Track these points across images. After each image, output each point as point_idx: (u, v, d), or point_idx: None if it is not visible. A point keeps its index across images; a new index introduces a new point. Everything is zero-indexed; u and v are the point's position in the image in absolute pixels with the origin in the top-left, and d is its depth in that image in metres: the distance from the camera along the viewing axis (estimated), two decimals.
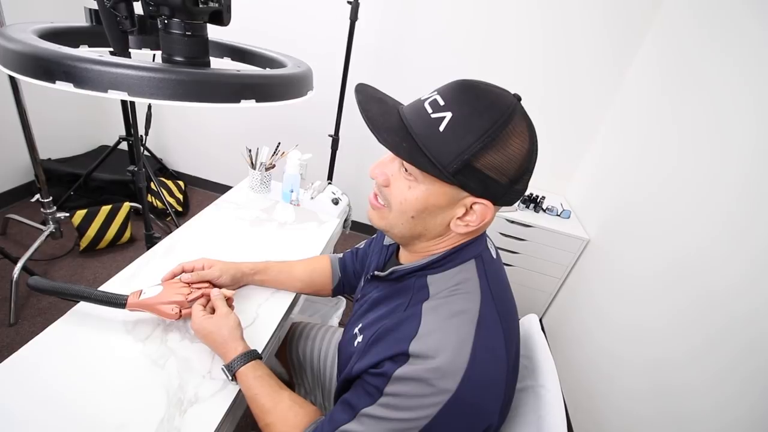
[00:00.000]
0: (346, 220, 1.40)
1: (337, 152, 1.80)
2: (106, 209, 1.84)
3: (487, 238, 0.65)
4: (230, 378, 0.66)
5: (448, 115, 0.47)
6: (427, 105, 0.50)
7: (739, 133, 1.09)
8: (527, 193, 1.92)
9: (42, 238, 1.68)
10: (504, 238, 1.85)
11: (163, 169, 2.56)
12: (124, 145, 1.99)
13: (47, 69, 0.46)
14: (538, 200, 1.88)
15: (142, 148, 1.53)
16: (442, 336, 0.48)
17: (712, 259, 1.08)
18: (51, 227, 1.69)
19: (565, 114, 1.96)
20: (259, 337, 0.79)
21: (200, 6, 0.60)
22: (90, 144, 2.48)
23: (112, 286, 0.82)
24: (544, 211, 1.89)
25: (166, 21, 0.61)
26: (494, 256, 0.63)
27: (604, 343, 1.46)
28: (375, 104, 0.53)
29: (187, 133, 2.52)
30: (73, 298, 0.74)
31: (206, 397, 0.66)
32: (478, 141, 0.46)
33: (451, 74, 1.95)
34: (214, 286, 0.82)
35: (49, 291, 0.72)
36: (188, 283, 0.78)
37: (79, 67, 0.46)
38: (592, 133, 1.98)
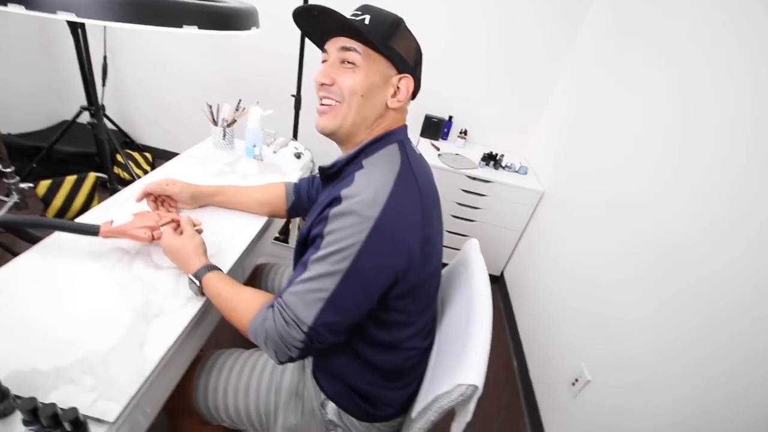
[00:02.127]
0: (312, 169, 1.46)
1: (300, 112, 1.84)
2: (71, 179, 1.84)
3: (411, 142, 0.76)
4: (198, 284, 0.72)
5: (367, 16, 0.64)
6: (348, 16, 0.64)
7: (689, 82, 1.12)
8: (487, 150, 2.02)
9: (5, 208, 1.67)
10: (466, 195, 1.95)
11: (130, 143, 2.53)
12: (85, 118, 1.96)
13: None
14: (497, 158, 1.98)
15: (100, 108, 1.52)
16: (367, 181, 0.62)
17: (643, 209, 1.18)
18: (15, 198, 1.68)
19: (522, 72, 2.05)
20: (223, 266, 0.85)
21: None
22: (51, 119, 2.43)
23: (83, 221, 0.87)
24: (504, 168, 2.00)
25: None
26: (417, 151, 0.76)
27: (555, 287, 1.59)
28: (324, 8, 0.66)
29: (151, 106, 2.50)
30: (46, 228, 0.78)
31: (170, 312, 0.72)
32: (391, 28, 0.65)
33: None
34: (175, 203, 0.94)
35: (21, 223, 0.77)
36: (156, 209, 0.85)
37: None
38: (543, 98, 2.09)
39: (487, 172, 1.94)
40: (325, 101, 0.69)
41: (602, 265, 1.31)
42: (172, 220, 0.84)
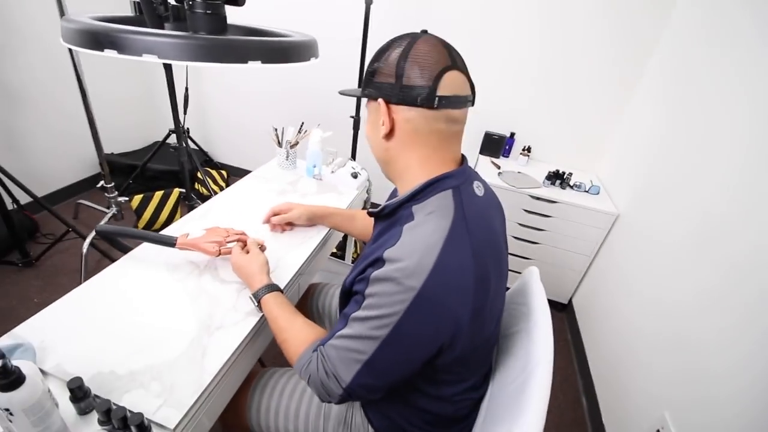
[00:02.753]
0: (367, 198, 1.49)
1: (359, 133, 1.89)
2: (159, 194, 2.06)
3: (476, 180, 0.70)
4: (256, 304, 0.77)
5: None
6: None
7: None
8: (553, 169, 1.90)
9: (106, 219, 1.92)
10: (529, 216, 1.85)
11: (209, 161, 2.79)
12: (173, 139, 2.21)
13: (97, 40, 0.58)
14: (564, 176, 1.86)
15: (184, 132, 1.70)
16: (413, 243, 0.56)
17: (740, 228, 1.03)
18: (114, 209, 1.93)
19: (593, 82, 1.91)
20: (279, 282, 0.89)
21: None
22: (146, 140, 2.77)
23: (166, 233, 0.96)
24: (571, 187, 1.87)
25: (191, 2, 0.73)
26: (479, 194, 0.68)
27: (632, 318, 1.43)
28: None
29: (229, 129, 2.75)
30: (133, 238, 0.89)
31: (230, 325, 0.77)
32: (373, 59, 0.64)
33: (473, 59, 1.98)
34: (294, 225, 1.08)
35: (114, 233, 0.87)
36: (226, 230, 0.92)
37: (121, 36, 0.57)
38: (619, 110, 1.92)
39: (553, 191, 1.82)
40: None
41: (689, 299, 1.15)
42: (239, 239, 0.91)
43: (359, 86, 0.77)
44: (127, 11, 0.92)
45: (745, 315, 0.94)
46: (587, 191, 1.85)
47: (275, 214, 1.04)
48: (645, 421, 1.18)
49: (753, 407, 0.86)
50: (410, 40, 0.61)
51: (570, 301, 2.03)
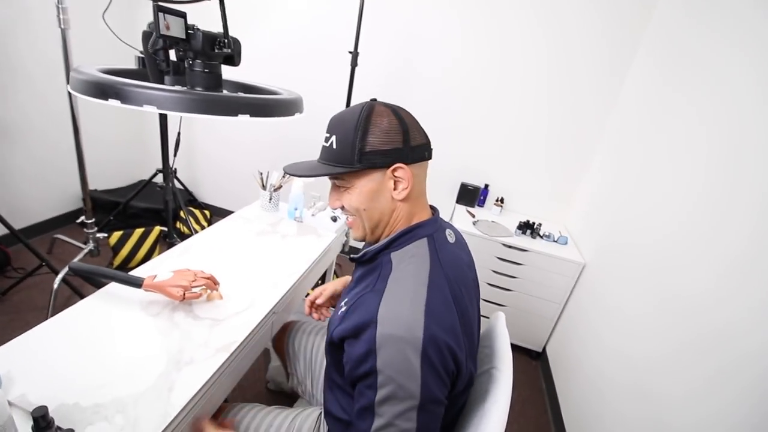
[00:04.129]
0: (346, 242, 1.55)
1: None
2: (138, 232, 2.07)
3: (449, 229, 0.77)
4: None
5: (333, 137, 0.67)
6: (323, 142, 0.70)
7: (745, 164, 1.02)
8: (524, 219, 2.01)
9: (81, 255, 1.90)
10: (501, 263, 1.92)
11: (193, 201, 2.83)
12: (159, 179, 2.26)
13: (103, 90, 0.65)
14: (534, 226, 1.97)
15: (172, 173, 1.76)
16: (398, 295, 0.61)
17: (699, 278, 1.08)
18: (91, 245, 1.92)
19: (562, 141, 2.09)
20: (252, 320, 0.91)
21: (215, 51, 0.81)
22: (131, 178, 2.80)
23: (135, 273, 0.98)
24: (541, 237, 1.97)
25: (191, 62, 0.82)
26: (451, 241, 0.75)
27: (601, 367, 1.47)
28: (302, 166, 0.73)
29: (214, 170, 2.83)
30: (102, 278, 0.90)
31: (200, 360, 0.78)
32: (354, 132, 0.65)
33: (454, 116, 2.18)
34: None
35: (85, 271, 0.89)
36: (194, 273, 0.94)
37: (125, 89, 0.65)
38: (584, 165, 2.09)
39: (524, 240, 1.92)
40: (348, 217, 0.75)
41: (650, 352, 1.20)
42: (207, 284, 0.92)
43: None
44: (125, 62, 1.01)
45: (710, 379, 0.95)
46: (556, 241, 1.95)
47: (313, 302, 0.98)
48: None
49: None
50: (389, 109, 0.67)
51: (544, 349, 2.06)
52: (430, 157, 0.70)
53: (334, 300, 1.00)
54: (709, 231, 1.09)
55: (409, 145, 0.66)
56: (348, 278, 1.00)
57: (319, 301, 0.97)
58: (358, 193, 0.69)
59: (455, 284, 0.66)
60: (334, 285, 1.00)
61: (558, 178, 2.17)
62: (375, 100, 0.69)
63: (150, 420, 0.65)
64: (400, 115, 0.67)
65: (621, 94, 1.91)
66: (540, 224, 1.99)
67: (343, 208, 0.72)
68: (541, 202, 2.24)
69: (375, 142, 0.65)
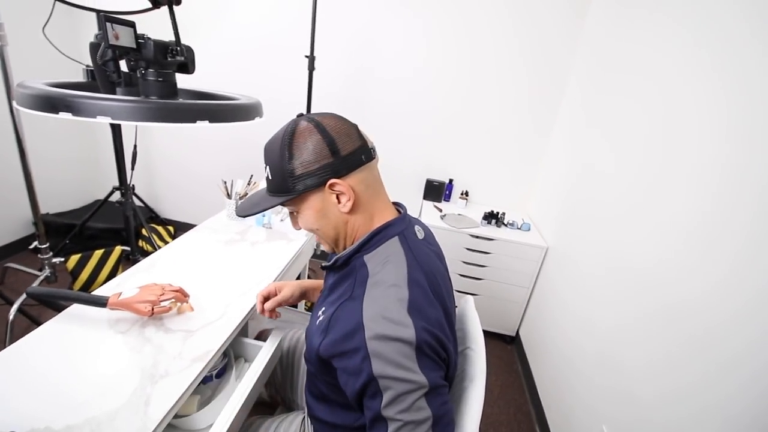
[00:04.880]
0: (318, 245, 1.55)
1: None
2: (98, 253, 1.98)
3: (417, 225, 0.79)
4: None
5: (268, 167, 0.68)
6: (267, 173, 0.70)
7: (690, 130, 1.07)
8: (489, 210, 2.09)
9: (37, 282, 1.79)
10: (470, 253, 1.99)
11: (155, 218, 2.73)
12: (116, 197, 2.17)
13: (52, 104, 0.64)
14: (499, 216, 2.05)
15: (130, 188, 1.70)
16: (384, 297, 0.61)
17: (652, 257, 1.15)
18: (47, 271, 1.82)
19: (517, 131, 2.19)
20: (225, 329, 0.91)
21: (168, 59, 0.80)
22: (86, 199, 2.67)
23: (99, 292, 0.95)
24: (506, 225, 2.05)
25: (143, 71, 0.81)
26: (420, 237, 0.76)
27: (570, 341, 1.55)
28: (247, 204, 0.75)
29: (175, 182, 2.74)
30: (63, 300, 0.87)
31: (176, 372, 0.77)
32: (282, 159, 0.65)
33: (414, 115, 2.23)
34: (288, 305, 0.98)
35: (44, 295, 0.85)
36: (162, 287, 0.92)
37: (77, 101, 0.63)
38: (539, 154, 2.20)
39: (490, 230, 1.99)
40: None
41: (612, 323, 1.29)
42: (176, 296, 0.90)
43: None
44: (69, 77, 0.98)
45: (657, 330, 1.07)
46: (519, 228, 2.04)
47: (265, 299, 0.94)
48: None
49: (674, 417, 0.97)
50: (312, 124, 0.65)
51: (517, 332, 2.14)
52: (370, 158, 0.68)
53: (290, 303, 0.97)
54: (660, 202, 1.18)
55: (339, 156, 0.64)
56: (309, 283, 1.00)
57: (268, 306, 0.91)
58: (306, 215, 0.69)
59: (432, 278, 0.68)
60: (291, 288, 0.96)
61: (517, 167, 2.26)
62: (301, 115, 0.69)
63: None
64: (323, 128, 0.65)
65: (573, 78, 2.02)
66: (504, 213, 2.07)
67: (305, 229, 0.73)
68: (504, 192, 2.34)
69: (302, 164, 0.64)
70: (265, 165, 0.69)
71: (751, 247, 0.83)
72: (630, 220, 1.29)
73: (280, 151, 0.65)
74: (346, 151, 0.65)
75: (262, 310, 0.92)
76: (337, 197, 0.67)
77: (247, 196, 0.74)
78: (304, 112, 0.70)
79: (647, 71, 1.35)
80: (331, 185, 0.65)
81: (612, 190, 1.44)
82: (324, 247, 0.77)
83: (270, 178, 0.68)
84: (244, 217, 0.70)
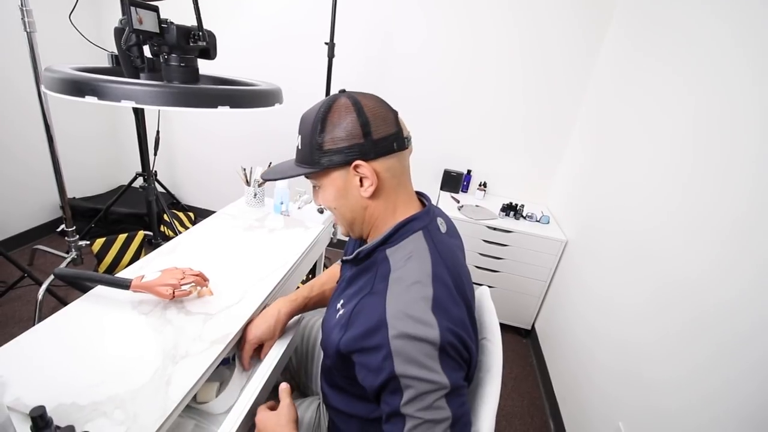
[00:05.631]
0: (334, 233, 1.56)
1: None
2: (122, 237, 2.04)
3: (439, 217, 0.77)
4: None
5: (300, 137, 0.68)
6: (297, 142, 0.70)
7: (713, 131, 1.06)
8: (507, 201, 2.05)
9: (64, 264, 1.86)
10: (487, 245, 1.96)
11: (176, 204, 2.79)
12: (139, 183, 2.22)
13: (79, 88, 0.64)
14: (517, 208, 2.01)
15: (152, 174, 1.74)
16: (407, 294, 0.59)
17: (674, 249, 1.12)
18: (73, 254, 1.88)
19: (538, 123, 2.14)
20: (244, 313, 0.92)
21: (191, 44, 0.81)
22: (110, 184, 2.75)
23: (122, 275, 0.98)
24: (524, 218, 2.02)
25: (166, 56, 0.81)
26: (443, 231, 0.74)
27: (586, 339, 1.53)
28: (275, 169, 0.75)
29: (197, 171, 2.79)
30: (89, 282, 0.89)
31: (196, 353, 0.79)
32: (313, 131, 0.64)
33: (432, 102, 2.19)
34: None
35: (70, 276, 0.88)
36: (183, 271, 0.93)
37: (102, 85, 0.64)
38: (561, 147, 2.15)
39: (508, 222, 1.96)
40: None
41: (629, 318, 1.26)
42: (196, 280, 0.91)
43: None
44: (95, 63, 0.99)
45: (686, 332, 1.02)
46: (538, 221, 2.00)
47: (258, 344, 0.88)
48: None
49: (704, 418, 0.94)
50: (350, 101, 0.64)
51: (533, 326, 2.12)
52: (403, 147, 0.67)
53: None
54: (691, 198, 1.14)
55: (370, 138, 0.63)
56: (302, 299, 0.95)
57: (247, 355, 0.86)
58: (327, 192, 0.69)
59: (456, 275, 0.66)
60: (274, 326, 0.87)
61: (537, 159, 2.21)
62: (343, 91, 0.68)
63: (150, 413, 0.65)
64: (360, 107, 0.63)
65: (595, 70, 1.96)
66: (522, 205, 2.04)
67: (324, 206, 0.72)
68: (523, 183, 2.29)
69: (332, 139, 0.63)
70: (298, 134, 0.69)
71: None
72: (652, 214, 1.25)
73: (314, 123, 0.64)
74: (378, 135, 0.63)
75: (248, 367, 0.87)
76: (361, 180, 0.65)
77: (274, 165, 0.74)
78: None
79: (678, 63, 1.29)
80: (356, 166, 0.64)
81: (634, 186, 1.39)
82: (340, 230, 0.76)
83: (299, 147, 0.68)
84: (271, 180, 0.72)
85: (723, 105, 1.05)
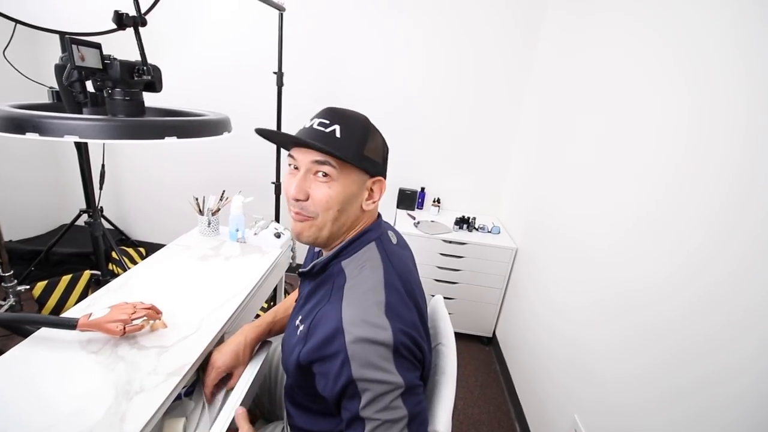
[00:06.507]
0: (293, 257, 1.56)
1: (281, 197, 2.01)
2: (66, 279, 1.91)
3: (390, 231, 0.83)
4: None
5: (337, 126, 0.66)
6: (317, 126, 0.66)
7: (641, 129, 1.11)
8: (460, 215, 2.16)
9: (2, 311, 1.72)
10: (444, 258, 2.04)
11: (125, 240, 2.66)
12: (84, 220, 2.11)
13: (19, 124, 0.64)
14: (470, 221, 2.12)
15: (99, 209, 1.67)
16: (361, 301, 0.63)
17: (623, 255, 1.14)
18: (11, 300, 1.75)
19: (483, 138, 2.29)
20: (201, 343, 0.91)
21: (135, 79, 0.82)
22: (51, 224, 2.58)
23: (69, 314, 0.94)
24: (477, 229, 2.12)
25: (110, 91, 0.82)
26: (394, 242, 0.80)
27: (542, 340, 1.61)
28: (303, 134, 0.68)
29: (146, 205, 2.70)
30: (30, 324, 0.85)
31: (151, 388, 0.77)
32: (362, 134, 0.68)
33: (384, 125, 2.27)
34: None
35: (8, 321, 0.84)
36: (133, 305, 0.91)
37: (43, 121, 0.65)
38: (506, 160, 2.31)
39: (462, 234, 2.06)
40: (297, 217, 0.70)
41: (581, 320, 1.34)
42: (148, 314, 0.88)
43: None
44: (32, 100, 0.98)
45: (639, 339, 1.03)
46: (490, 231, 2.11)
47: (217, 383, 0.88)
48: (563, 427, 1.31)
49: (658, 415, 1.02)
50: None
51: (494, 333, 2.20)
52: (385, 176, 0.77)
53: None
54: (616, 196, 1.27)
55: (385, 164, 0.74)
56: (254, 339, 0.93)
57: (211, 383, 0.86)
58: (340, 190, 0.67)
59: (407, 281, 0.70)
60: (240, 353, 0.88)
61: (486, 172, 2.36)
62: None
63: None
64: (382, 135, 0.74)
65: (530, 81, 2.13)
66: (474, 218, 2.15)
67: (306, 200, 0.68)
68: (475, 197, 2.42)
69: (373, 148, 0.69)
70: (327, 121, 0.66)
71: (709, 239, 0.84)
72: (589, 214, 1.37)
73: (363, 125, 0.69)
74: (385, 164, 0.74)
75: (210, 400, 0.87)
76: (369, 194, 0.72)
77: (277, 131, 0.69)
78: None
79: (603, 73, 1.41)
80: (375, 181, 0.71)
81: (572, 188, 1.53)
82: (307, 233, 0.71)
83: (338, 136, 0.65)
84: (301, 145, 0.66)
85: (681, 99, 0.99)
